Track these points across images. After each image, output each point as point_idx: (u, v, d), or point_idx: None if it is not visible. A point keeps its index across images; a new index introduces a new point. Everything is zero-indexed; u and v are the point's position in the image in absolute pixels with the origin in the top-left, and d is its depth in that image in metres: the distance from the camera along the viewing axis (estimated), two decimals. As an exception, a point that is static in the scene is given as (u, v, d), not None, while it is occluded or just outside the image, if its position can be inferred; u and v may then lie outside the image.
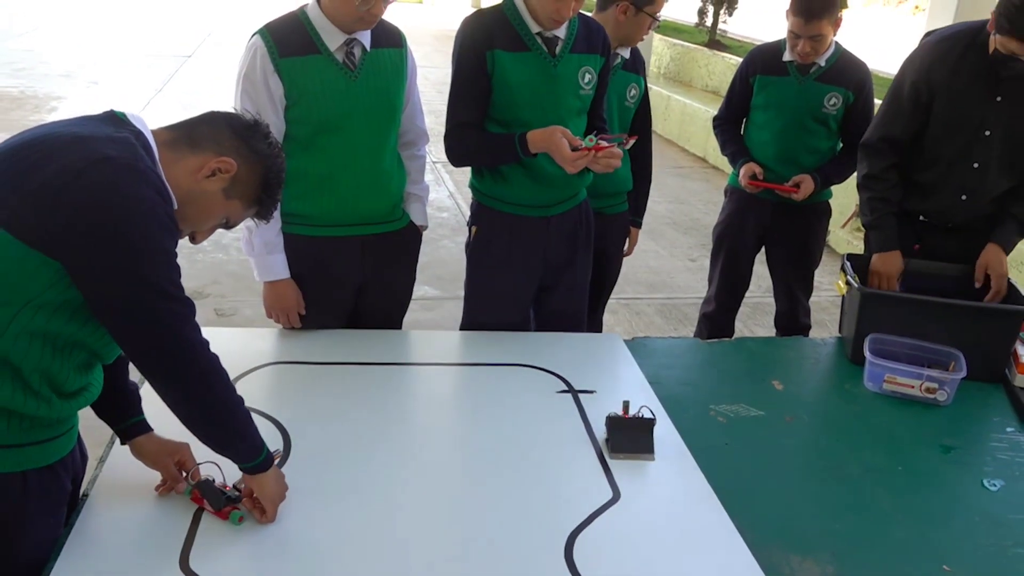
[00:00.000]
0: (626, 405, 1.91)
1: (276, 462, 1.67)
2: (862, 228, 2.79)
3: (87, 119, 1.42)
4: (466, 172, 2.52)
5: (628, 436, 1.88)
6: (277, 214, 2.19)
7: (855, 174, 2.75)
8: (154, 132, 1.45)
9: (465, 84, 2.30)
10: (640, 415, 1.89)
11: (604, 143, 2.17)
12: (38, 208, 1.27)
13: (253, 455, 1.53)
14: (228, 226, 1.56)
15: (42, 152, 1.31)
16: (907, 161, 2.60)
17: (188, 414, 1.45)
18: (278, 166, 1.55)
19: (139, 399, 1.66)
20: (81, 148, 1.31)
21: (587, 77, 2.35)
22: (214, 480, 1.60)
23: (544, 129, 2.20)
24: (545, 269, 2.49)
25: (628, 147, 2.29)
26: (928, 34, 2.64)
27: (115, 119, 1.42)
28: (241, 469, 1.54)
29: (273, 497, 1.57)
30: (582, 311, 2.64)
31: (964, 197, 2.55)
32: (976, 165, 2.51)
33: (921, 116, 2.54)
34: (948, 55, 2.48)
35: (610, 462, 1.83)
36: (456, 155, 2.37)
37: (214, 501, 1.58)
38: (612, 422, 1.90)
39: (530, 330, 2.61)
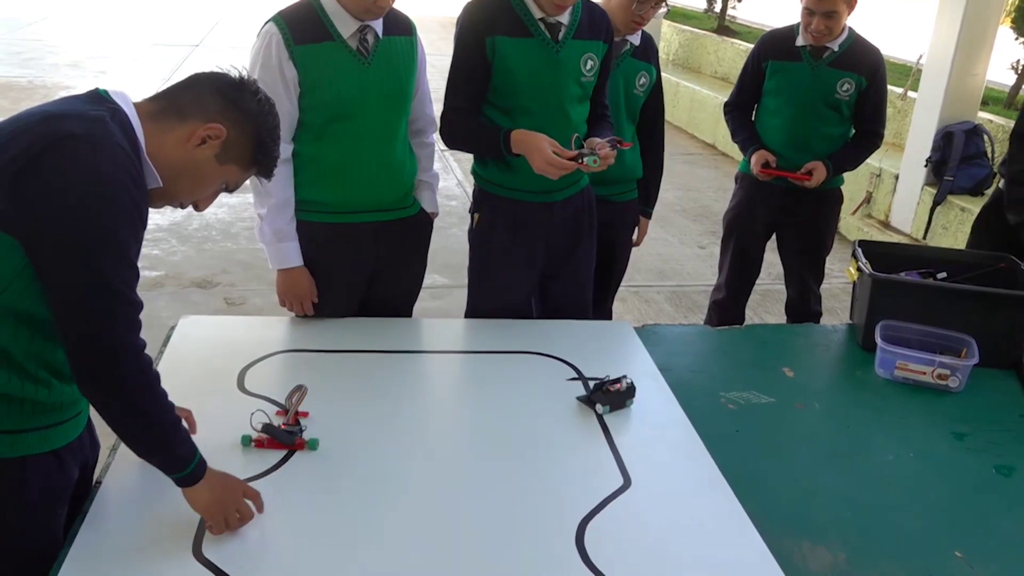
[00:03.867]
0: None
1: (297, 398, 1.76)
2: (872, 216, 2.77)
3: (66, 99, 1.39)
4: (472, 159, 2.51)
5: (609, 398, 1.97)
6: (289, 203, 2.20)
7: (869, 159, 2.69)
8: (138, 105, 1.41)
9: (463, 69, 2.28)
10: (623, 387, 1.98)
11: (600, 149, 2.17)
12: (2, 187, 1.25)
13: (178, 467, 1.43)
14: (229, 190, 1.53)
15: (11, 132, 1.29)
16: None
17: (109, 416, 1.37)
18: (271, 123, 1.50)
19: None
20: (47, 126, 1.28)
21: (589, 64, 2.33)
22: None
23: (530, 134, 2.19)
24: (548, 256, 2.48)
25: (622, 148, 2.28)
26: None
27: (96, 97, 1.38)
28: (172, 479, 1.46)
29: (207, 510, 1.46)
30: (587, 301, 2.62)
31: None
32: None
33: None
34: None
35: (620, 449, 1.83)
36: (448, 138, 2.35)
37: (285, 439, 1.73)
38: (596, 385, 2.00)
39: (532, 317, 2.60)
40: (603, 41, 2.36)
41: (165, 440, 1.41)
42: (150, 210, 1.40)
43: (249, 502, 1.52)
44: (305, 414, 1.82)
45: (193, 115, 1.42)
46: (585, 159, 2.14)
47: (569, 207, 2.44)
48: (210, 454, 1.69)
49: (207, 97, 1.43)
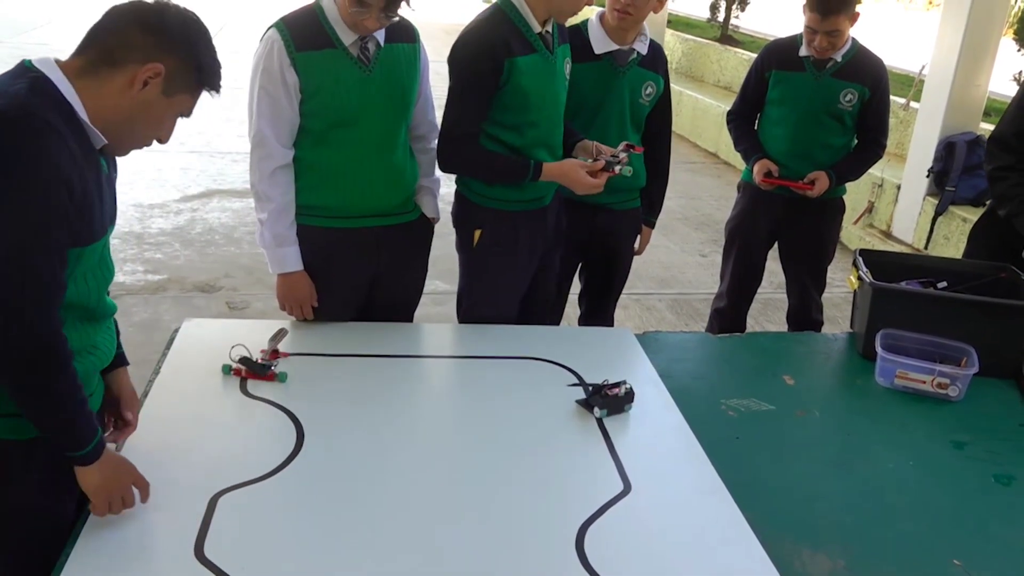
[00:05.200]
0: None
1: (277, 337, 2.00)
2: (874, 225, 2.79)
3: None
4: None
5: (608, 402, 1.99)
6: (289, 207, 2.21)
7: (871, 169, 2.71)
8: (64, 65, 1.39)
9: (476, 94, 2.26)
10: (621, 392, 2.00)
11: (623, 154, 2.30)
12: None
13: (76, 446, 1.41)
14: (186, 116, 1.50)
15: None
16: None
17: (17, 391, 1.35)
18: (204, 42, 1.44)
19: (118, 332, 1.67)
20: None
21: (567, 66, 2.40)
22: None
23: (559, 164, 2.30)
24: (539, 258, 2.53)
25: (635, 152, 2.35)
26: None
27: (19, 70, 1.36)
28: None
29: (94, 491, 1.45)
30: (553, 293, 2.71)
31: None
32: None
33: None
34: None
35: (621, 455, 1.84)
36: (453, 164, 2.35)
37: (258, 370, 1.98)
38: (595, 389, 2.01)
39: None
40: (568, 41, 2.45)
41: (70, 419, 1.40)
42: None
43: (137, 491, 1.51)
44: (286, 355, 2.11)
45: (125, 59, 1.38)
46: (617, 168, 2.27)
47: (553, 208, 2.51)
48: (212, 458, 1.72)
49: (132, 35, 1.38)
